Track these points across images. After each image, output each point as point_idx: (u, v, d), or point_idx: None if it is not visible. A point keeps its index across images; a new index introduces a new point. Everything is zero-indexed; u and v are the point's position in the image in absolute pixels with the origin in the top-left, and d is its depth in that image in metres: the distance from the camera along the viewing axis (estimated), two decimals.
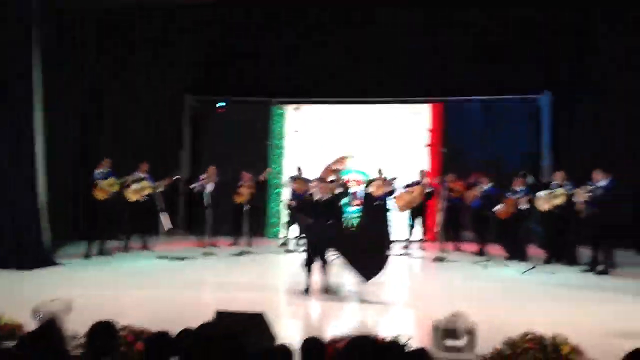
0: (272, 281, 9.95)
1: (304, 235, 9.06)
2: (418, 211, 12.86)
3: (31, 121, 10.74)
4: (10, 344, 5.16)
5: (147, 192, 12.06)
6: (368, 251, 8.40)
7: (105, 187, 11.46)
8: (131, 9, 12.47)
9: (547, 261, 10.83)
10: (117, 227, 12.36)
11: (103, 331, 4.25)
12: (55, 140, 12.10)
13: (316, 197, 8.84)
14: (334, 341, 5.54)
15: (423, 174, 13.06)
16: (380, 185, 12.91)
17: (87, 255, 11.34)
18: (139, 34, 14.35)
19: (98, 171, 11.58)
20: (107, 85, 13.95)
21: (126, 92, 14.37)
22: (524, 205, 11.05)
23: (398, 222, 13.24)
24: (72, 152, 13.00)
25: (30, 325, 5.50)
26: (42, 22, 10.90)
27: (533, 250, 10.75)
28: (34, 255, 10.36)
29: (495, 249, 11.50)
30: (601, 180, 10.16)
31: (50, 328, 3.18)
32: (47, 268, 10.27)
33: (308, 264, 8.63)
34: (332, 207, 8.81)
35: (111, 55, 13.94)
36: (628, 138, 12.73)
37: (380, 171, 13.22)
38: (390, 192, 12.92)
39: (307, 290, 8.53)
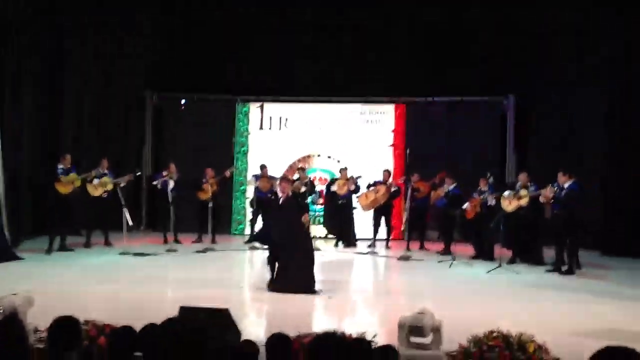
0: (237, 278, 9.88)
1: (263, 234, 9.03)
2: (383, 210, 12.90)
3: None
4: None
5: (108, 187, 11.92)
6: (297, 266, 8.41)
7: (67, 182, 11.29)
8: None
9: (512, 261, 10.95)
10: (79, 223, 12.20)
11: (66, 326, 4.15)
12: (15, 135, 11.91)
13: (279, 195, 8.76)
14: (300, 337, 5.51)
15: (387, 173, 13.11)
16: (343, 183, 12.95)
17: (48, 251, 11.17)
18: (100, 27, 14.18)
19: (60, 167, 11.46)
20: (67, 79, 13.76)
21: (88, 86, 14.19)
22: (491, 202, 11.16)
23: (363, 221, 13.30)
24: (33, 147, 12.79)
25: None
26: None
27: (498, 250, 10.85)
28: None
29: (460, 248, 11.59)
30: (566, 182, 10.31)
31: (11, 321, 3.09)
32: (8, 262, 10.09)
33: (271, 261, 8.58)
34: (294, 205, 8.76)
35: (73, 47, 13.77)
36: (591, 139, 12.96)
37: (343, 170, 13.28)
38: (354, 191, 12.96)
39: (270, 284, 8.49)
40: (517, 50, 13.77)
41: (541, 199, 10.53)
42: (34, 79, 12.58)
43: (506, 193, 11.00)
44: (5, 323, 3.05)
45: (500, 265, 10.36)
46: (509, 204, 10.76)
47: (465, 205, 11.46)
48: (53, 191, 11.32)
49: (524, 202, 10.74)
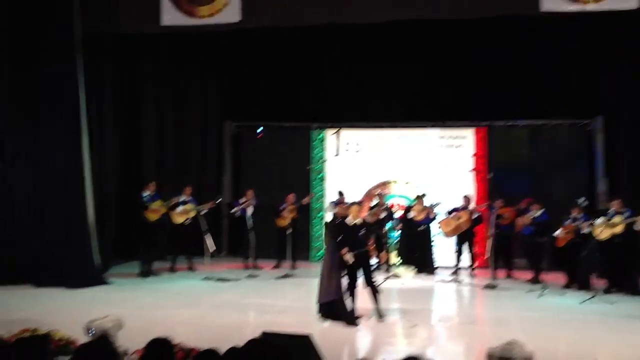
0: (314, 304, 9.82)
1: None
2: (465, 237, 12.59)
3: (79, 146, 11.01)
4: (64, 359, 5.18)
5: (191, 215, 12.17)
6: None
7: (155, 209, 11.65)
8: (171, 34, 12.69)
9: (608, 290, 10.42)
10: (163, 249, 12.50)
11: (161, 347, 4.23)
12: (102, 163, 12.42)
13: (352, 221, 8.56)
14: None
15: (467, 199, 12.79)
16: (420, 210, 12.74)
17: (142, 274, 11.62)
18: (179, 59, 14.65)
19: (145, 194, 11.82)
20: (146, 110, 14.24)
21: (166, 116, 14.65)
22: (586, 230, 10.68)
23: (445, 248, 13.01)
24: (117, 175, 13.29)
25: (83, 340, 5.51)
26: (83, 48, 11.18)
27: (593, 279, 10.34)
28: (85, 275, 10.63)
29: (550, 277, 11.13)
30: None
31: (103, 342, 3.13)
32: (97, 287, 10.51)
33: (351, 289, 8.43)
34: (366, 231, 8.60)
35: (152, 80, 14.27)
36: None
37: (420, 197, 13.03)
38: (433, 217, 12.72)
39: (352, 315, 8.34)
40: (604, 68, 13.28)
41: (637, 226, 10.01)
42: (115, 109, 13.10)
43: (599, 220, 10.52)
44: (97, 345, 3.09)
45: (594, 295, 9.87)
46: (602, 231, 10.28)
47: (557, 232, 11.01)
48: (142, 218, 11.69)
49: (618, 229, 10.24)
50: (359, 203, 9.05)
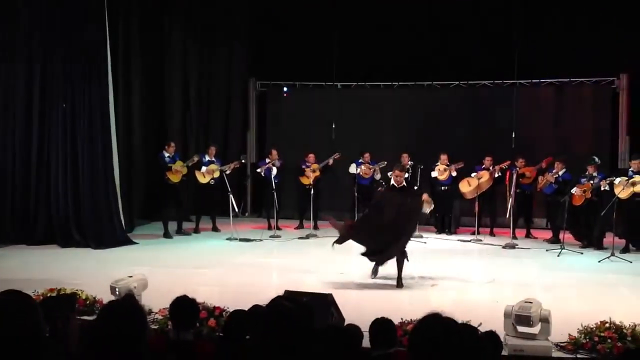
0: (338, 264, 9.95)
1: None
2: (486, 197, 12.59)
3: (107, 107, 11.08)
4: (90, 318, 5.37)
5: (215, 175, 12.27)
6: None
7: (178, 169, 11.75)
8: None
9: (625, 250, 10.45)
10: (187, 209, 12.68)
11: (187, 306, 4.39)
12: (127, 122, 12.53)
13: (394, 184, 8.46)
14: (404, 324, 5.50)
15: (490, 159, 12.73)
16: (444, 169, 12.72)
17: (166, 235, 11.76)
18: (204, 17, 14.62)
19: (166, 155, 11.87)
20: (171, 68, 14.25)
21: (191, 75, 14.65)
22: (605, 187, 10.63)
23: (466, 208, 13.04)
24: (142, 135, 13.38)
25: (109, 300, 5.68)
26: (109, 11, 11.16)
27: (610, 238, 10.36)
28: (110, 235, 10.85)
29: (569, 236, 11.15)
30: None
31: (127, 302, 3.26)
32: (123, 247, 10.70)
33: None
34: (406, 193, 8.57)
35: (178, 37, 14.25)
36: None
37: (443, 154, 12.96)
38: (456, 177, 12.69)
39: (374, 272, 8.48)
40: (630, 27, 13.01)
41: None
42: (141, 67, 13.11)
43: (618, 179, 10.45)
44: (122, 304, 3.22)
45: (612, 254, 9.90)
46: (623, 190, 10.23)
47: (574, 190, 10.98)
48: (164, 179, 11.81)
49: (638, 188, 10.18)
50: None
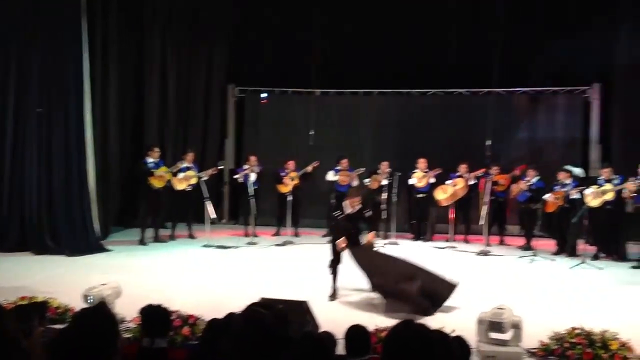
0: (314, 271, 9.97)
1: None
2: (461, 204, 12.72)
3: (81, 110, 10.99)
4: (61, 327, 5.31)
5: (193, 181, 12.21)
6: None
7: (162, 175, 11.69)
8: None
9: (596, 257, 10.63)
10: (164, 215, 12.59)
11: (158, 313, 4.37)
12: (104, 128, 12.42)
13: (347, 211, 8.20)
14: (378, 330, 5.55)
15: (465, 166, 12.89)
16: (423, 176, 12.82)
17: (142, 242, 11.68)
18: (185, 21, 14.60)
19: (150, 160, 11.79)
20: (149, 73, 14.15)
21: (169, 81, 14.56)
22: (575, 196, 10.81)
23: (442, 215, 13.15)
24: (119, 140, 13.24)
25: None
26: (89, 8, 11.13)
27: (581, 245, 10.54)
28: (84, 242, 10.72)
29: (541, 243, 11.30)
30: None
31: (100, 310, 3.25)
32: (97, 254, 10.58)
33: (334, 266, 8.19)
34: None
35: (157, 42, 14.17)
36: None
37: (421, 160, 13.10)
38: (434, 184, 12.80)
39: (332, 296, 8.10)
40: (602, 35, 13.27)
41: (624, 193, 10.15)
42: (119, 72, 12.95)
43: (590, 188, 10.63)
44: (94, 312, 3.20)
45: (583, 262, 10.06)
46: (594, 198, 10.40)
47: (546, 196, 11.14)
48: (144, 184, 11.73)
49: (609, 196, 10.36)
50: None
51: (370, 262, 7.86)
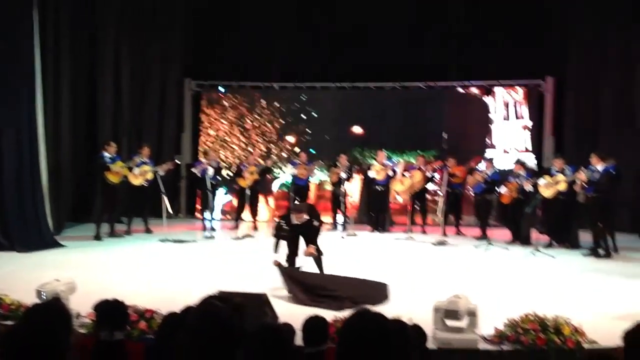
0: (273, 266, 9.96)
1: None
2: (418, 196, 12.86)
3: (33, 105, 10.75)
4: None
5: (148, 176, 12.07)
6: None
7: (118, 171, 11.51)
8: None
9: (549, 245, 10.85)
10: (120, 210, 12.42)
11: (115, 308, 4.33)
12: (56, 123, 12.17)
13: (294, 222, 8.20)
14: (337, 321, 5.57)
15: (422, 158, 13.06)
16: (381, 169, 12.91)
17: (97, 237, 11.46)
18: (137, 16, 14.39)
19: (106, 155, 11.60)
20: (104, 67, 13.91)
21: (124, 75, 14.35)
22: (528, 188, 11.02)
23: (399, 206, 13.28)
24: (73, 135, 12.98)
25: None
26: (40, 3, 10.88)
27: (535, 234, 10.76)
28: (37, 238, 10.46)
29: (496, 233, 11.50)
30: (599, 165, 10.13)
31: (53, 305, 3.19)
32: (50, 250, 10.34)
33: (291, 257, 8.34)
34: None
35: (110, 36, 13.94)
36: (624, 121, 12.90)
37: (380, 151, 13.24)
38: (392, 176, 12.90)
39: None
40: (555, 30, 13.55)
41: (576, 183, 10.37)
42: (71, 65, 12.67)
43: (543, 180, 10.84)
44: (47, 307, 3.14)
45: (537, 250, 10.27)
46: (547, 189, 10.61)
47: (502, 189, 11.33)
48: (100, 179, 11.54)
49: (562, 187, 10.58)
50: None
51: (297, 280, 7.71)
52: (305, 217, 8.18)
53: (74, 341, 2.80)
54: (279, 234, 8.23)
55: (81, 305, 5.77)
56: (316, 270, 8.17)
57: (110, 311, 4.34)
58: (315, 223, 8.28)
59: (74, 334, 2.90)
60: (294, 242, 8.34)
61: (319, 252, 8.26)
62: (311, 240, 8.24)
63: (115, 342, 4.18)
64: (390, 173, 12.87)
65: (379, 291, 7.56)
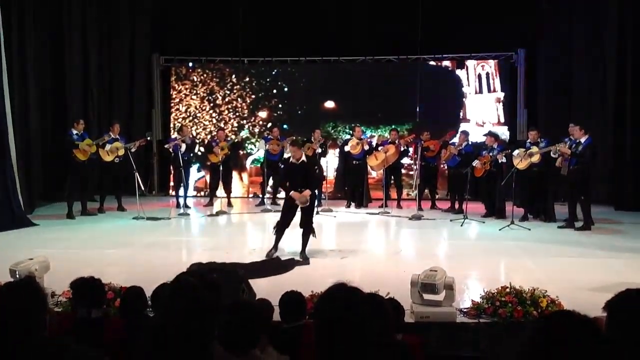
0: (249, 241, 9.94)
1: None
2: (393, 170, 12.87)
3: (1, 89, 10.47)
4: None
5: (120, 153, 11.90)
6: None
7: (85, 149, 11.33)
8: None
9: (524, 218, 10.94)
10: (92, 188, 12.26)
11: (91, 286, 4.27)
12: (23, 102, 11.92)
13: (292, 160, 8.40)
14: (314, 296, 5.55)
15: (395, 133, 13.05)
16: (357, 143, 12.88)
17: (69, 215, 11.28)
18: None
19: (74, 132, 11.43)
20: (72, 42, 13.63)
21: (92, 50, 14.08)
22: (501, 160, 11.08)
23: (375, 181, 13.30)
24: (41, 112, 12.75)
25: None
26: None
27: (510, 207, 10.84)
28: (8, 217, 10.27)
29: (471, 206, 11.57)
30: (582, 137, 10.18)
31: (27, 284, 3.13)
32: (22, 229, 10.19)
33: (282, 227, 8.40)
34: (309, 169, 8.57)
35: (77, 10, 13.66)
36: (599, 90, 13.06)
37: (356, 126, 13.22)
38: (369, 151, 12.87)
39: (270, 253, 8.34)
40: (527, 3, 13.58)
41: (553, 155, 10.43)
42: (37, 42, 12.41)
43: (517, 151, 10.90)
44: (20, 286, 3.08)
45: (512, 223, 10.35)
46: (521, 161, 10.68)
47: (475, 163, 11.38)
48: (69, 157, 11.35)
49: (535, 159, 10.65)
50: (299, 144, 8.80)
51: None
52: (303, 158, 8.18)
53: (50, 320, 2.74)
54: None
55: (55, 283, 5.70)
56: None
57: (88, 288, 4.28)
58: (317, 170, 8.29)
59: (49, 312, 2.84)
60: (292, 212, 8.30)
61: (310, 230, 8.27)
62: (310, 186, 8.27)
63: (94, 320, 4.12)
64: (366, 147, 12.84)
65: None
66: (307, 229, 8.27)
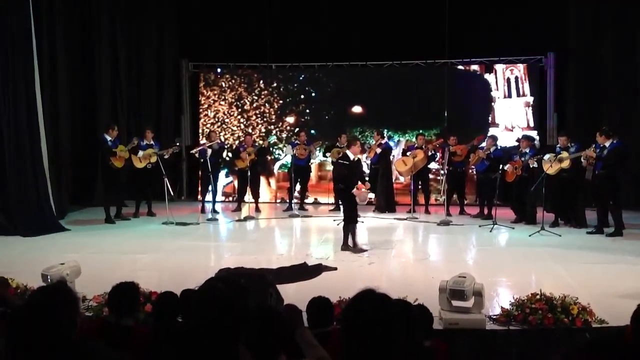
0: (277, 246, 9.97)
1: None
2: (421, 175, 12.80)
3: (32, 89, 10.67)
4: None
5: (152, 159, 12.00)
6: None
7: (121, 155, 11.50)
8: None
9: (554, 224, 10.79)
10: (125, 193, 12.38)
11: (128, 291, 4.31)
12: (54, 107, 12.11)
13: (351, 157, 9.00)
14: (341, 302, 5.54)
15: (422, 137, 12.97)
16: (373, 147, 12.87)
17: (108, 220, 11.44)
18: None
19: (108, 138, 11.58)
20: (101, 50, 13.78)
21: (122, 57, 14.25)
22: (533, 165, 10.94)
23: (402, 186, 13.23)
24: (71, 119, 12.96)
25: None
26: None
27: (540, 213, 10.69)
28: (40, 222, 10.44)
29: (501, 212, 11.45)
30: (605, 142, 10.05)
31: (59, 288, 3.17)
32: (54, 234, 10.32)
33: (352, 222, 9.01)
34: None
35: (106, 18, 13.83)
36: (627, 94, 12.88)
37: (378, 133, 13.20)
38: (384, 154, 12.84)
39: (356, 247, 8.98)
40: (556, 4, 13.43)
41: (583, 160, 10.30)
42: (68, 48, 12.57)
43: (547, 156, 10.77)
44: (53, 290, 3.12)
45: (542, 229, 10.22)
46: (551, 166, 10.55)
47: (506, 167, 11.26)
48: (106, 164, 11.52)
49: (565, 164, 10.51)
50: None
51: None
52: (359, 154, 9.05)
53: (80, 323, 2.78)
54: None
55: (87, 288, 5.77)
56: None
57: (121, 295, 4.32)
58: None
59: (80, 316, 2.88)
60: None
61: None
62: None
63: (121, 327, 4.16)
64: (378, 150, 12.80)
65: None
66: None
